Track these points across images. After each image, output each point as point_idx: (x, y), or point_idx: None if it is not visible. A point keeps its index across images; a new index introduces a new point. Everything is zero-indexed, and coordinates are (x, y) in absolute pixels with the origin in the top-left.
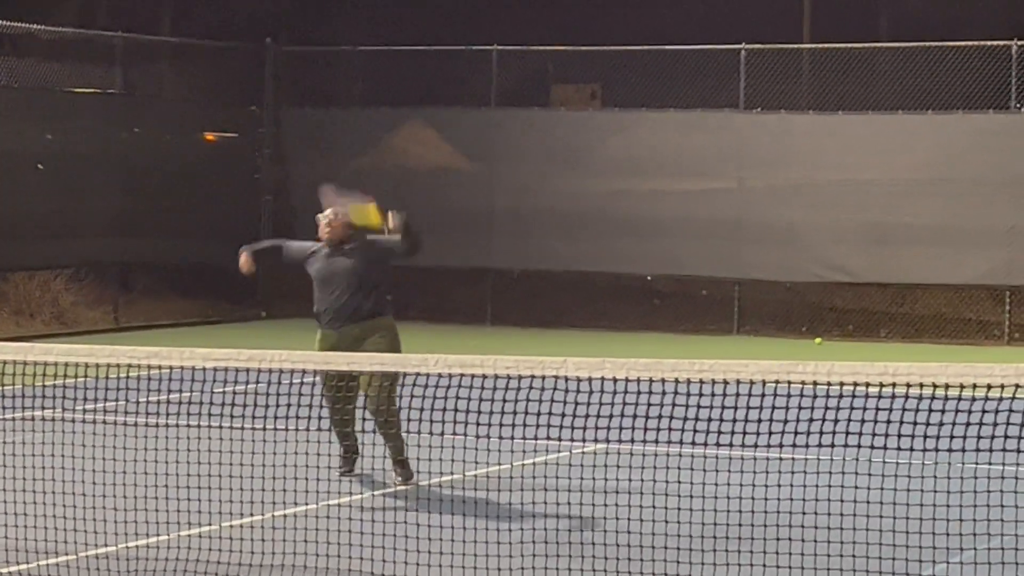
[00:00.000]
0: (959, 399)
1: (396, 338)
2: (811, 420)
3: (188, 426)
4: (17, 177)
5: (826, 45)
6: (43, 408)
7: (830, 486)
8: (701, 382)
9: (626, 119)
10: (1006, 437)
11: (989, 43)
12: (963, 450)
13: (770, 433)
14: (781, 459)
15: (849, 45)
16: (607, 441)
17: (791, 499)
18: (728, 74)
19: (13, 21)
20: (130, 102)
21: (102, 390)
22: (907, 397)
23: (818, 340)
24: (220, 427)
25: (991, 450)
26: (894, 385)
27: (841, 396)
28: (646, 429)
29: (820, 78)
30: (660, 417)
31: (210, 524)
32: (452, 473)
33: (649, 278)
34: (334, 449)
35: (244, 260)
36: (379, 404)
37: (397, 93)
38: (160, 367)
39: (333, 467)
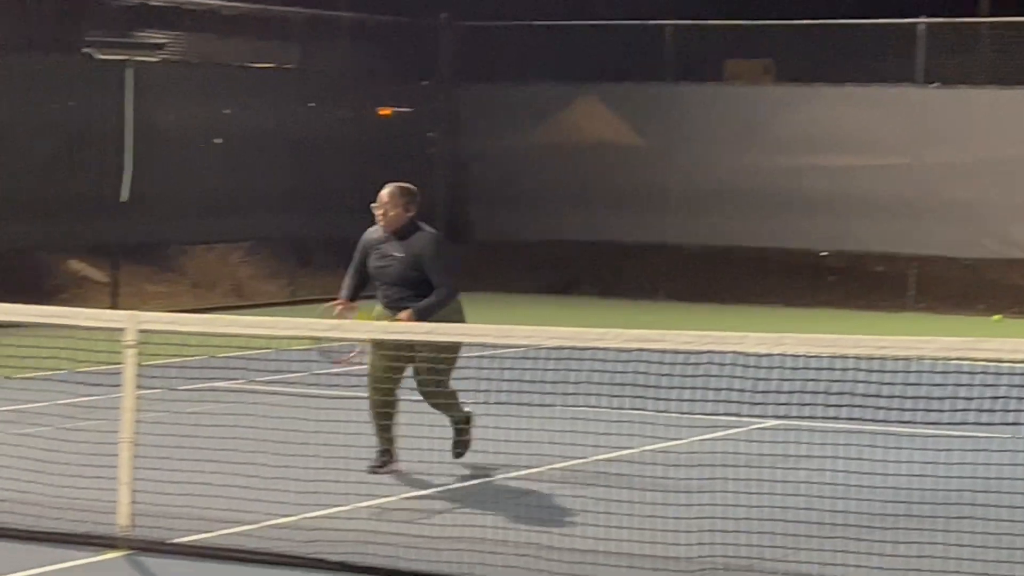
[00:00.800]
0: None
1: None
2: (995, 398)
3: (367, 398)
4: (196, 152)
5: (1006, 19)
6: (226, 379)
7: (1014, 464)
8: (883, 358)
9: (801, 94)
10: None
11: None
12: None
13: (953, 411)
14: (964, 437)
15: None
16: (786, 417)
17: (974, 477)
18: (906, 48)
19: None
20: (306, 77)
21: (284, 362)
22: None
23: (997, 317)
24: (399, 400)
25: None
26: None
27: None
28: (826, 405)
29: (1000, 52)
30: (841, 394)
31: (390, 496)
32: (630, 447)
33: (824, 254)
34: (512, 423)
35: (341, 310)
36: (428, 386)
37: (571, 68)
38: (341, 340)
39: (511, 440)
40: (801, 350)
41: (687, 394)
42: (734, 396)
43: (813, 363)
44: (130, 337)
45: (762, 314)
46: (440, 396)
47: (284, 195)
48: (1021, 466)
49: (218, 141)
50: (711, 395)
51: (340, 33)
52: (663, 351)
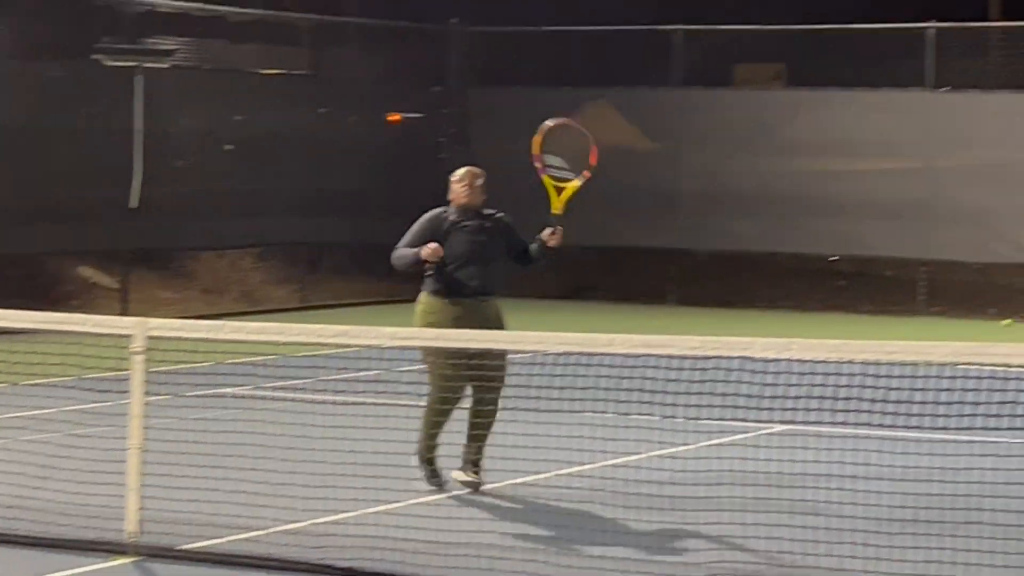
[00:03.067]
0: None
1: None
2: (1003, 403)
3: (376, 404)
4: (206, 157)
5: (1016, 23)
6: (234, 385)
7: (1021, 469)
8: (891, 363)
9: (812, 99)
10: None
11: None
12: None
13: (960, 415)
14: (972, 442)
15: None
16: (794, 422)
17: (982, 483)
18: (916, 53)
19: (204, 3)
20: (316, 83)
21: (291, 368)
22: None
23: (1007, 321)
24: (406, 405)
25: None
26: None
27: None
28: (834, 410)
29: (1010, 56)
30: (848, 399)
31: (397, 501)
32: (637, 453)
33: (834, 258)
34: (518, 428)
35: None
36: (492, 392)
37: (581, 73)
38: (348, 346)
39: (518, 446)
40: (808, 355)
41: (694, 399)
42: (741, 401)
43: (820, 368)
44: (138, 343)
45: (772, 319)
46: (494, 404)
47: (295, 201)
48: None
49: (229, 147)
50: (718, 400)
51: (350, 38)
52: (670, 356)
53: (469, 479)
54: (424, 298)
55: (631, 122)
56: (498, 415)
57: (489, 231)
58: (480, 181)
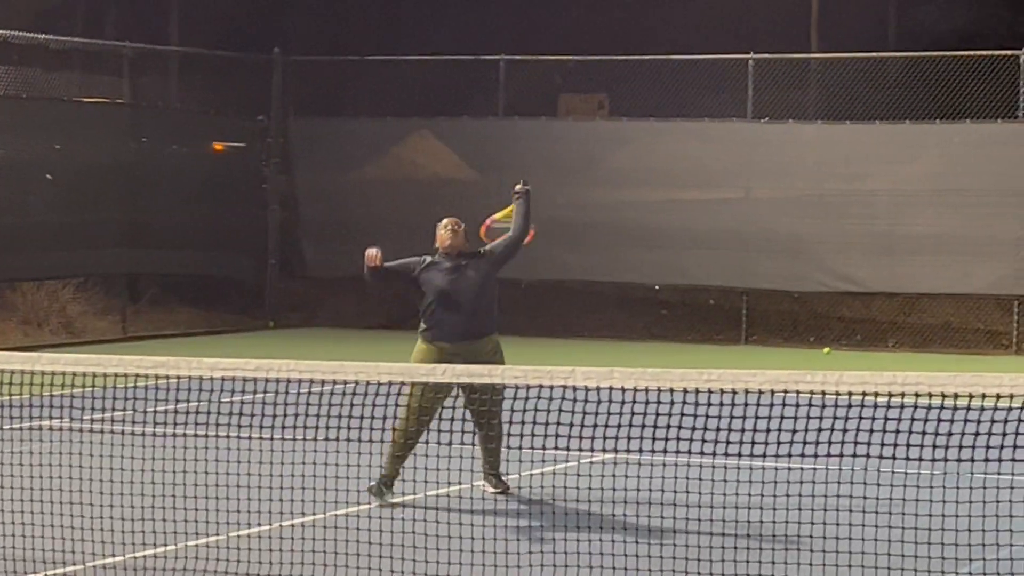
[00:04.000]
0: (968, 409)
1: (502, 355)
2: (820, 430)
3: (196, 436)
4: (25, 187)
5: (834, 55)
6: (51, 418)
7: (839, 496)
8: (710, 391)
9: (633, 129)
10: (1015, 447)
11: (997, 53)
12: (972, 460)
13: (779, 443)
14: (790, 469)
15: (857, 55)
16: (616, 451)
17: (799, 509)
18: (736, 84)
19: (23, 31)
20: (138, 112)
21: (110, 400)
22: (916, 407)
23: (826, 350)
24: (228, 437)
25: (1000, 460)
26: (903, 395)
27: (850, 406)
28: (655, 439)
29: (828, 88)
30: (669, 427)
31: (217, 534)
32: (460, 483)
33: (656, 288)
34: (341, 459)
35: (373, 255)
36: (489, 417)
37: (404, 103)
38: (168, 377)
39: (340, 476)
40: (630, 383)
41: (516, 428)
42: (563, 430)
43: (641, 396)
44: None
45: (597, 348)
46: (496, 429)
47: (116, 230)
48: (844, 497)
49: (48, 176)
50: (540, 430)
51: (172, 67)
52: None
53: (497, 489)
54: (417, 344)
55: (455, 152)
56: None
57: (466, 268)
58: (461, 227)
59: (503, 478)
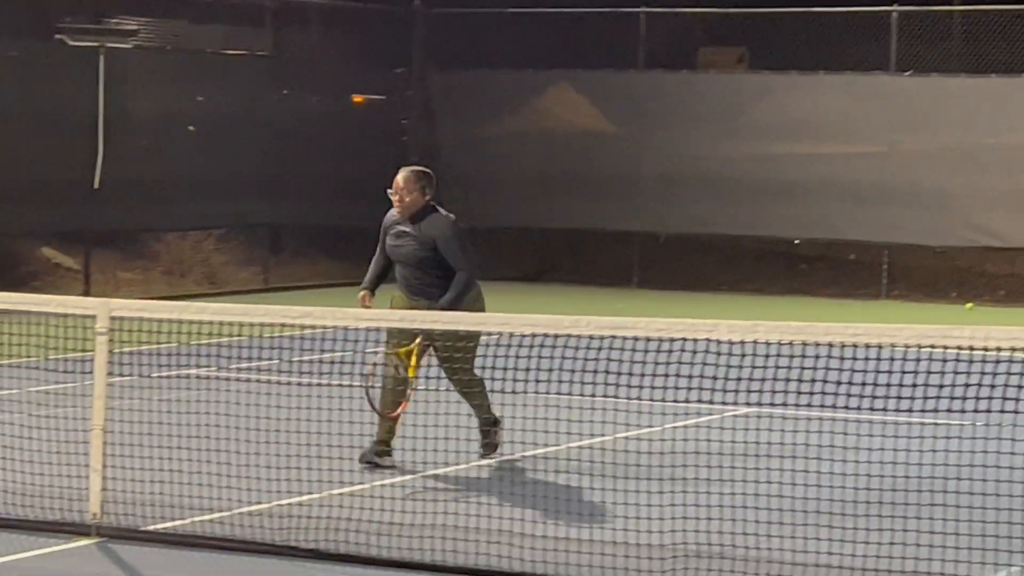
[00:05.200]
0: None
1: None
2: (967, 385)
3: (340, 385)
4: (169, 139)
5: (978, 7)
6: (198, 366)
7: (986, 452)
8: (855, 346)
9: (775, 82)
10: None
11: None
12: None
13: (925, 398)
14: (936, 424)
15: (1001, 7)
16: (759, 404)
17: (946, 464)
18: (879, 37)
19: None
20: (279, 64)
21: (256, 349)
22: None
23: (969, 305)
24: (372, 387)
25: None
26: None
27: (998, 362)
28: (799, 392)
29: (972, 40)
30: (813, 381)
31: (362, 483)
32: (603, 435)
33: (796, 242)
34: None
35: (363, 298)
36: (454, 375)
37: (545, 55)
38: (313, 327)
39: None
40: (774, 337)
41: (660, 381)
42: (707, 383)
43: (785, 350)
44: (102, 324)
45: (735, 302)
46: (466, 385)
47: (258, 182)
48: (992, 453)
49: (191, 128)
50: (683, 382)
51: (313, 19)
52: (636, 338)
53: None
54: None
55: (594, 105)
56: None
57: (410, 238)
58: (406, 194)
59: (493, 438)
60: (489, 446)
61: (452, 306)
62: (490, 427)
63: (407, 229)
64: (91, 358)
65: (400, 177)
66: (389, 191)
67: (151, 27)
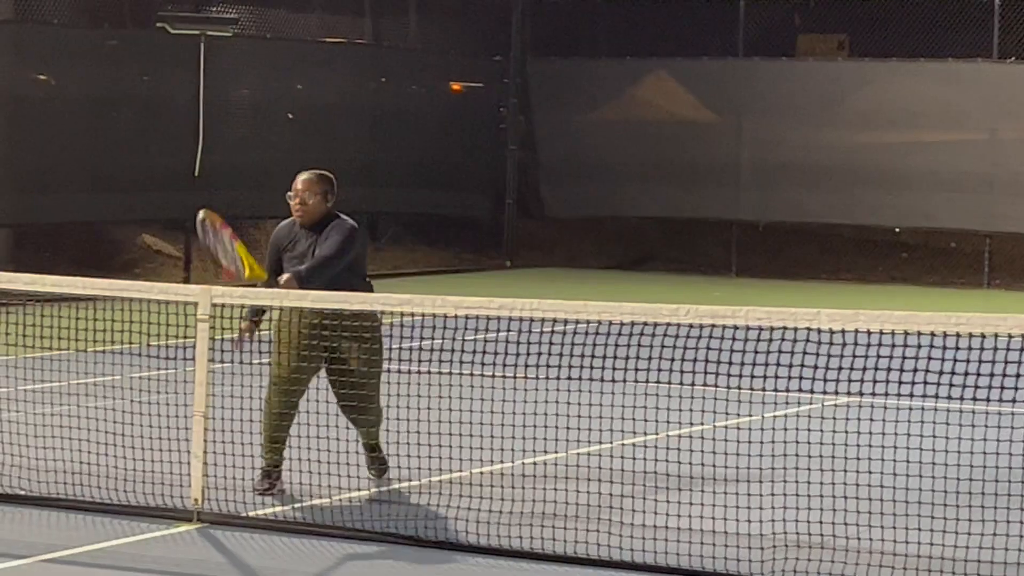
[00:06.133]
0: None
1: (378, 340)
2: None
3: (440, 373)
4: (268, 126)
5: None
6: None
7: None
8: (958, 335)
9: (875, 69)
10: None
11: None
12: None
13: None
14: None
15: None
16: (860, 394)
17: None
18: (981, 23)
19: None
20: (378, 52)
21: None
22: None
23: None
24: (471, 375)
25: None
26: None
27: None
28: (900, 382)
29: None
30: (916, 370)
31: (460, 470)
32: (703, 423)
33: (897, 230)
34: (583, 398)
35: (246, 327)
36: (360, 389)
37: (643, 44)
38: (413, 314)
39: (582, 416)
40: (875, 327)
41: (759, 370)
42: (807, 372)
43: (886, 340)
44: (203, 311)
45: (836, 290)
46: (370, 400)
47: (355, 169)
48: None
49: (290, 116)
50: (783, 371)
51: (411, 8)
52: (735, 327)
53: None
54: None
55: (692, 93)
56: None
57: (311, 249)
58: (308, 197)
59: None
60: (379, 461)
61: (304, 279)
62: (377, 452)
63: (308, 242)
64: (192, 345)
65: (300, 179)
66: (288, 195)
67: (251, 15)
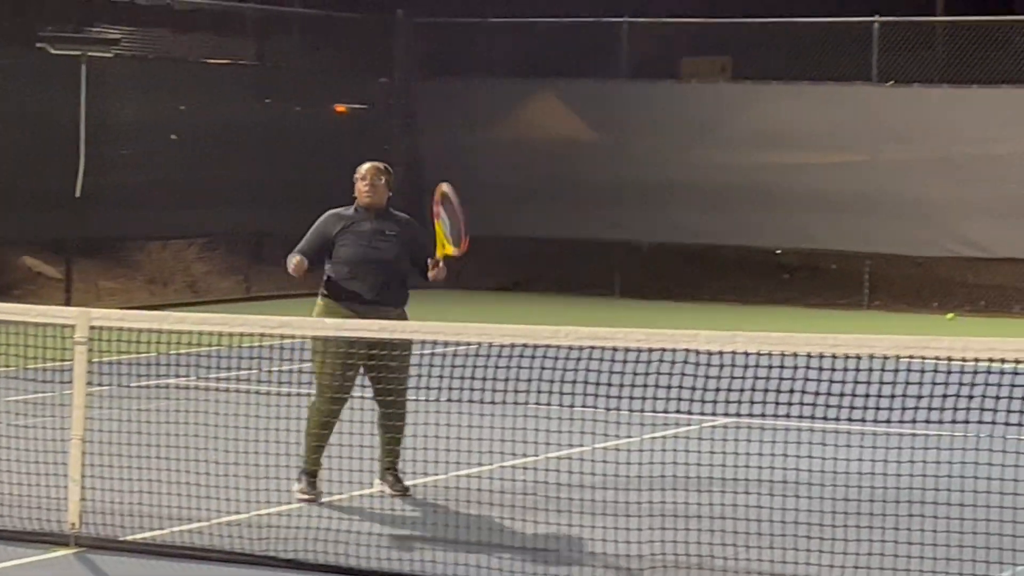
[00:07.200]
0: None
1: (408, 347)
2: (945, 396)
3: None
4: (151, 148)
5: (959, 18)
6: (177, 376)
7: (963, 463)
8: (834, 356)
9: (757, 92)
10: None
11: None
12: None
13: (903, 409)
14: (915, 435)
15: (982, 18)
16: (738, 415)
17: (924, 475)
18: (861, 47)
19: None
20: (262, 73)
21: (235, 359)
22: None
23: (950, 315)
24: (351, 397)
25: None
26: None
27: (976, 372)
28: (777, 403)
29: (954, 51)
30: (792, 391)
31: (340, 493)
32: (582, 445)
33: (778, 252)
34: (463, 420)
35: (297, 264)
36: (398, 393)
37: (528, 65)
38: (293, 337)
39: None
40: (752, 348)
41: (638, 392)
42: (685, 394)
43: (764, 361)
44: (81, 334)
45: (718, 312)
46: (403, 404)
47: (240, 191)
48: (969, 464)
49: (174, 137)
50: (662, 393)
51: (296, 29)
52: (615, 348)
53: (395, 491)
54: (320, 301)
55: (577, 114)
56: (408, 418)
57: (389, 236)
58: (383, 179)
59: (401, 477)
60: (402, 485)
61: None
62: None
63: (384, 228)
64: (70, 368)
65: (369, 165)
66: (359, 177)
67: (133, 36)
